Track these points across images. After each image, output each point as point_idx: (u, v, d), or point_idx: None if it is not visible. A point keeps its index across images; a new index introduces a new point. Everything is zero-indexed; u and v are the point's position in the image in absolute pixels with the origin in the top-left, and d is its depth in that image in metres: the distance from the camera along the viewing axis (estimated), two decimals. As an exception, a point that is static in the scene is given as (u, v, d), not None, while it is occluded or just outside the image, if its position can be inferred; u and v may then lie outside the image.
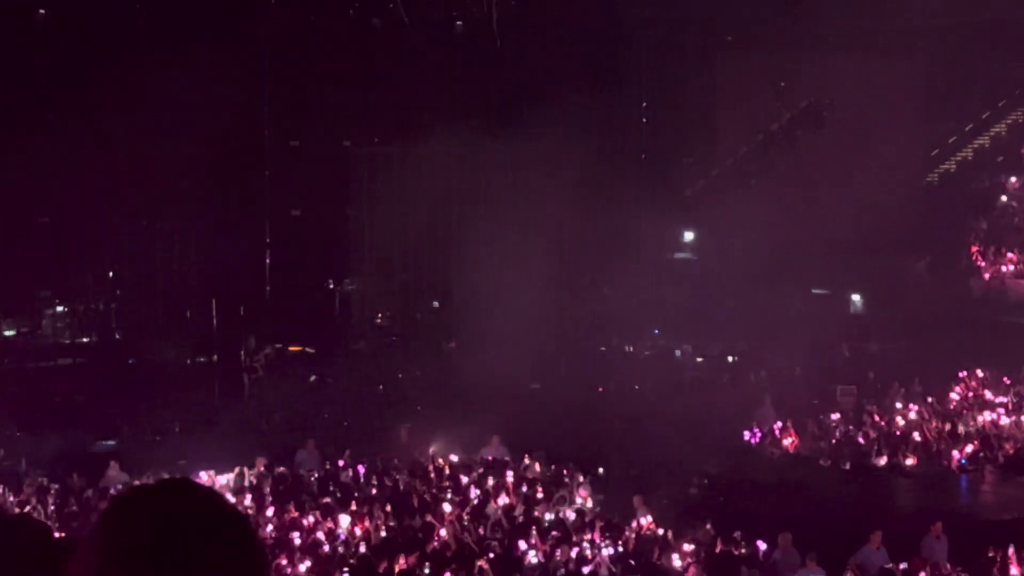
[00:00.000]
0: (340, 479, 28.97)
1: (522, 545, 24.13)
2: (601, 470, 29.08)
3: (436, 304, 44.00)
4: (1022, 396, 35.98)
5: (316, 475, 29.29)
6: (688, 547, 23.93)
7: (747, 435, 34.28)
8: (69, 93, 43.39)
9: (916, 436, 32.84)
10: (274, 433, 34.67)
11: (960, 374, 37.16)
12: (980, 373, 37.24)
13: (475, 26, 45.15)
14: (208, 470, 28.62)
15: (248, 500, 27.11)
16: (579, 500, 27.44)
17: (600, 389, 39.86)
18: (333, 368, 41.67)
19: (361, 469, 29.36)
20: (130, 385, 40.45)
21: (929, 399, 35.72)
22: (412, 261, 44.39)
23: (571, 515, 25.97)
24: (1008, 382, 37.01)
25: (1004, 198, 48.02)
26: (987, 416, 34.10)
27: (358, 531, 24.95)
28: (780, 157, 47.53)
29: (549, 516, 25.98)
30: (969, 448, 32.09)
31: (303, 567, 23.12)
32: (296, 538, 24.51)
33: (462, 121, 43.79)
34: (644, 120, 49.15)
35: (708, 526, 24.97)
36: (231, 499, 25.13)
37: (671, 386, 40.17)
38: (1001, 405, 35.14)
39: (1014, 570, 23.54)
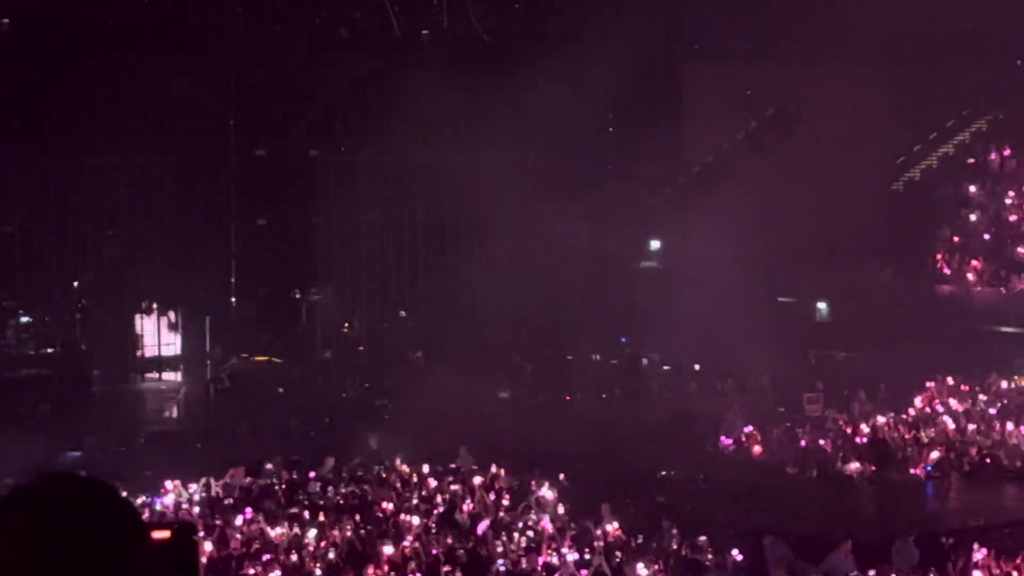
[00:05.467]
0: (308, 489, 28.89)
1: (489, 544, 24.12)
2: (562, 476, 29.04)
3: (403, 313, 43.96)
4: (987, 403, 36.13)
5: (282, 485, 29.19)
6: (654, 557, 23.94)
7: (715, 443, 34.32)
8: (33, 102, 43.20)
9: (879, 442, 32.92)
10: (240, 443, 34.50)
11: (928, 383, 37.27)
12: (950, 380, 37.35)
13: (443, 36, 45.15)
14: (174, 480, 28.49)
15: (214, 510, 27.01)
16: (534, 515, 27.29)
17: (567, 399, 39.86)
18: (300, 378, 41.59)
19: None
20: (95, 396, 40.29)
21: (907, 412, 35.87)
22: (379, 271, 44.30)
23: (547, 525, 25.90)
24: (975, 389, 37.15)
25: (969, 207, 48.23)
26: (951, 423, 34.22)
27: (324, 542, 24.89)
28: (746, 165, 47.67)
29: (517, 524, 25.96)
30: (934, 455, 32.20)
31: (270, 577, 23.05)
32: (264, 548, 24.42)
33: (428, 131, 43.84)
34: (610, 129, 49.19)
35: (675, 531, 25.00)
36: (197, 510, 25.12)
37: (638, 394, 40.23)
38: (966, 412, 35.26)
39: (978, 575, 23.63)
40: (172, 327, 43.81)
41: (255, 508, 26.73)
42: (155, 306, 43.55)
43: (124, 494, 2.86)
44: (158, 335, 43.49)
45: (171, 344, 43.80)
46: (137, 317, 43.39)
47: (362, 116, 44.39)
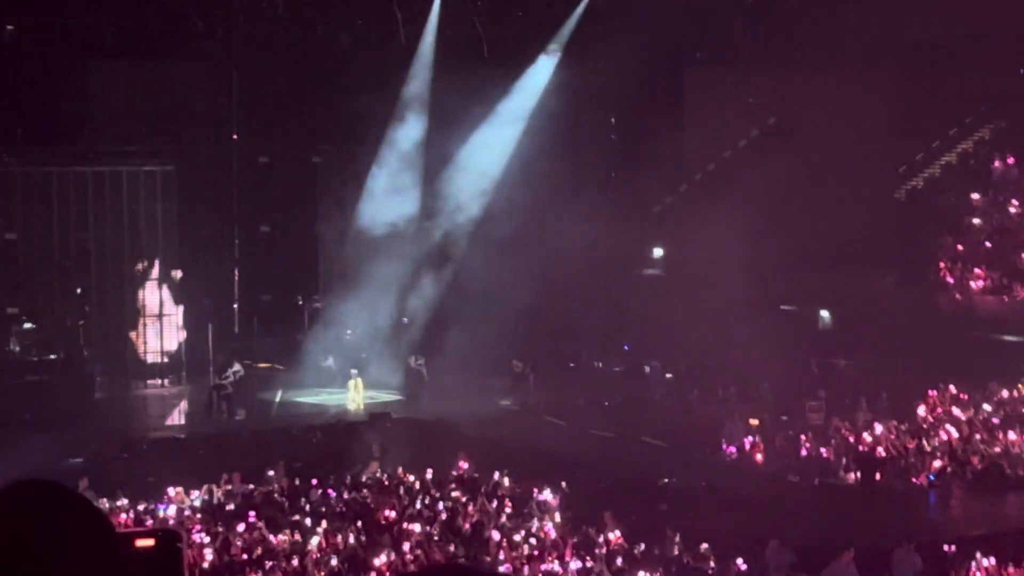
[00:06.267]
0: (310, 496, 28.88)
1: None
2: (564, 484, 29.02)
3: (405, 320, 43.94)
4: (989, 412, 36.08)
5: (284, 492, 29.18)
6: (656, 565, 23.94)
7: (716, 451, 34.30)
8: (36, 109, 43.28)
9: (882, 451, 32.91)
10: (243, 450, 34.49)
11: (931, 392, 37.21)
12: (953, 389, 37.29)
13: (449, 44, 45.20)
14: (176, 487, 28.50)
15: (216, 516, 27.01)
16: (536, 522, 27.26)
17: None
18: (304, 385, 41.62)
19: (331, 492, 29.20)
20: (98, 402, 40.29)
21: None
22: (381, 277, 44.18)
23: (550, 530, 25.90)
24: (977, 397, 37.11)
25: (971, 215, 48.21)
26: (954, 432, 34.17)
27: (328, 547, 24.89)
28: (748, 173, 47.70)
29: (519, 532, 25.94)
30: (937, 463, 32.18)
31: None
32: (266, 555, 24.43)
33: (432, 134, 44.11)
34: (613, 136, 49.21)
35: (677, 539, 24.99)
36: (199, 516, 25.10)
37: (640, 402, 40.21)
38: (968, 421, 35.20)
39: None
40: (175, 333, 43.78)
41: (257, 515, 26.74)
42: (158, 312, 43.52)
43: (96, 502, 2.88)
44: (161, 341, 43.46)
45: (174, 350, 43.78)
46: (140, 323, 43.36)
47: (365, 122, 44.40)
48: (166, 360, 43.46)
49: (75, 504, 2.87)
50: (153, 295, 43.31)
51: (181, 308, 43.54)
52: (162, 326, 43.26)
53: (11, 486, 2.88)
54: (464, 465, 30.98)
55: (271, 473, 30.32)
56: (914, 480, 31.83)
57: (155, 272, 43.31)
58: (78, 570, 2.79)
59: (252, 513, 26.84)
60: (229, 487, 29.02)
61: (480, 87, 43.14)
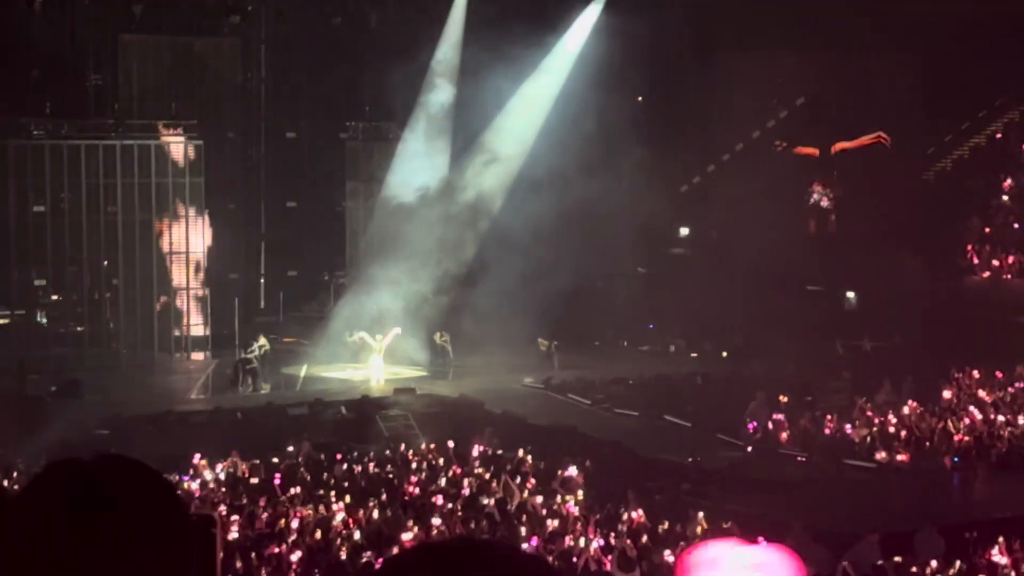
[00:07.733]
0: (334, 471, 28.95)
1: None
2: (588, 462, 29.02)
3: (430, 296, 43.93)
4: (1015, 394, 35.97)
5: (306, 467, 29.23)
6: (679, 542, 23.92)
7: (742, 430, 34.25)
8: (65, 83, 43.46)
9: (906, 433, 32.84)
10: (268, 424, 34.57)
11: (956, 374, 37.12)
12: (976, 374, 37.18)
13: (480, 10, 45.16)
14: (201, 460, 28.60)
15: (240, 489, 27.11)
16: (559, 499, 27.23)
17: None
18: (329, 360, 41.69)
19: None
20: (124, 375, 40.49)
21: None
22: (408, 252, 44.14)
23: (572, 508, 25.93)
24: (1000, 376, 37.01)
25: (1000, 198, 48.02)
26: (978, 414, 34.06)
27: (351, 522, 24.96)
28: (776, 154, 47.59)
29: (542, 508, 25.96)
30: (960, 443, 32.06)
31: (295, 557, 23.08)
32: (288, 528, 24.50)
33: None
34: (641, 115, 49.10)
35: (700, 517, 24.98)
36: (223, 490, 25.16)
37: (665, 381, 40.17)
38: (993, 404, 35.09)
39: (1004, 559, 23.52)
40: (201, 307, 43.94)
41: (282, 489, 26.84)
42: (184, 286, 43.66)
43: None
44: (187, 315, 43.61)
45: (200, 324, 43.93)
46: (166, 297, 43.50)
47: (391, 99, 44.40)
48: (192, 334, 43.63)
49: (156, 479, 2.86)
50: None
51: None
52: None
53: (95, 459, 2.85)
54: (488, 440, 30.95)
55: (291, 448, 30.36)
56: (939, 461, 31.72)
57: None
58: (161, 545, 2.77)
59: (277, 486, 26.94)
60: (230, 464, 28.93)
61: (510, 53, 42.99)
